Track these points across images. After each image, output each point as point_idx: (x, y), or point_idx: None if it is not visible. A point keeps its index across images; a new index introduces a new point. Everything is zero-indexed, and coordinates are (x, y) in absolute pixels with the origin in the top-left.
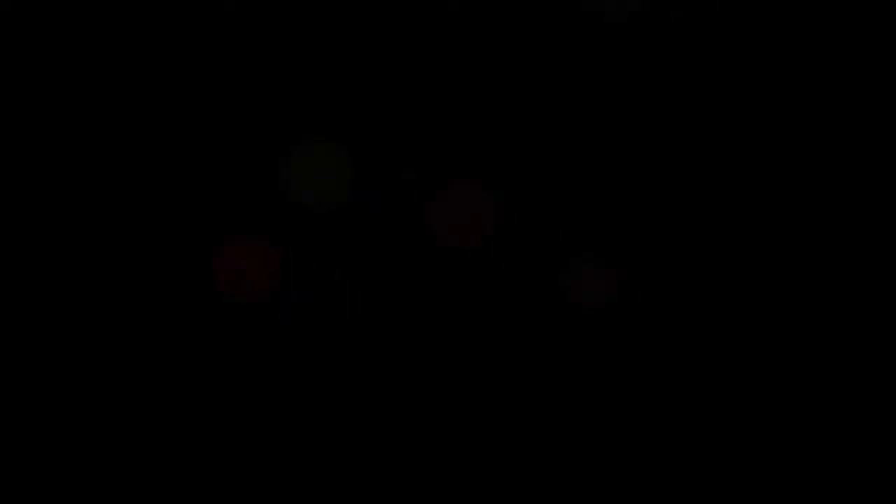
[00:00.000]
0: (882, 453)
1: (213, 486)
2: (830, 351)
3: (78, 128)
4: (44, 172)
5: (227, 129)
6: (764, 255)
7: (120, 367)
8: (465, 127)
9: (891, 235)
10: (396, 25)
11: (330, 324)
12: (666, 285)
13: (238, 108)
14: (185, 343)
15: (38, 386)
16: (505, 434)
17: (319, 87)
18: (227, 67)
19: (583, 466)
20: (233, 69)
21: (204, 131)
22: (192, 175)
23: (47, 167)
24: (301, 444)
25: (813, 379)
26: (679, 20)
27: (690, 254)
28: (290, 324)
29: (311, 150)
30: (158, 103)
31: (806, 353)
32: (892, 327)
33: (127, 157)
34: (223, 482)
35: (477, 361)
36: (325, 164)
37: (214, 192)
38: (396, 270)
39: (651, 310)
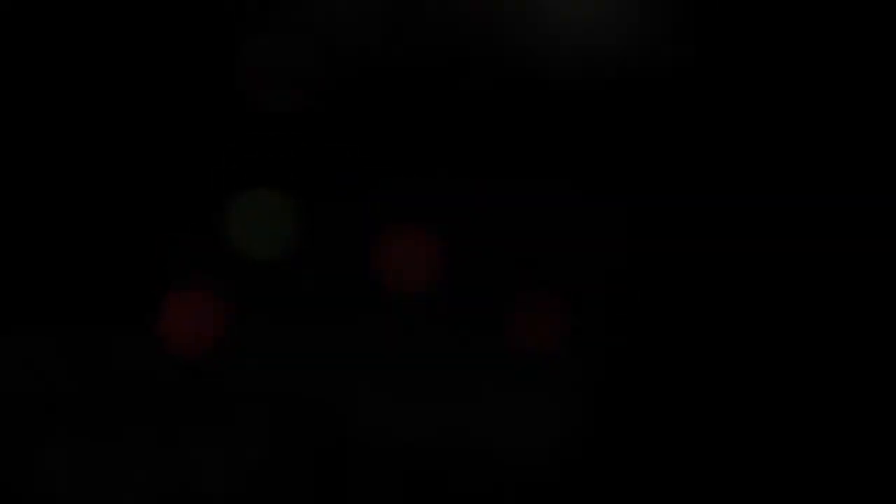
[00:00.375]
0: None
1: None
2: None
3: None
4: None
5: (166, 178)
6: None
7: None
8: (409, 169)
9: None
10: (334, 67)
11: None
12: (621, 329)
13: (175, 157)
14: (128, 398)
15: None
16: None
17: (257, 133)
18: (167, 116)
19: None
20: (173, 117)
21: (142, 180)
22: (133, 225)
23: None
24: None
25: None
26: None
27: (646, 297)
28: None
29: (253, 198)
30: (92, 153)
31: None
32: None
33: (62, 207)
34: None
35: (423, 406)
36: (267, 213)
37: (155, 242)
38: (343, 316)
39: (604, 354)
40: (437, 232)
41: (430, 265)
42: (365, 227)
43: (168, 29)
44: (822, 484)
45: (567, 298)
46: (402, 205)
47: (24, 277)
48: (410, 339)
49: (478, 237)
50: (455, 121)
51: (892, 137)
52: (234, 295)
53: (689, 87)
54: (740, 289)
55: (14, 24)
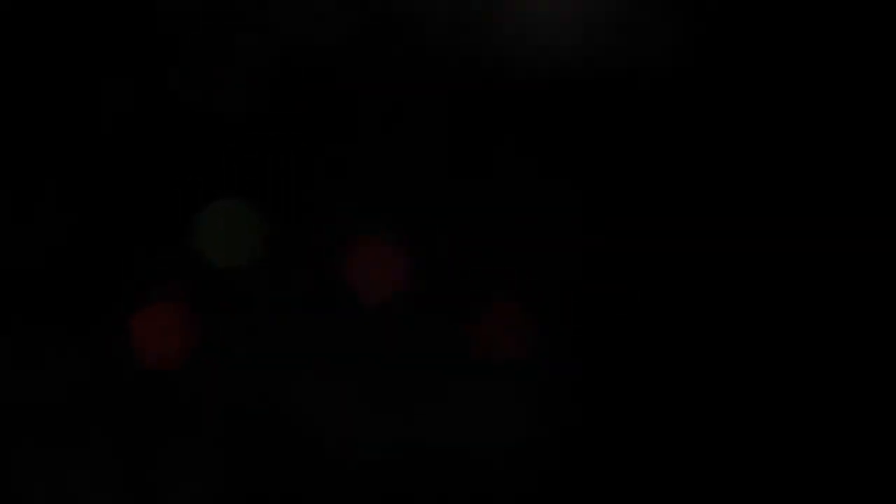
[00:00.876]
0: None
1: None
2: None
3: None
4: None
5: (136, 190)
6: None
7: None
8: (378, 180)
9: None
10: (307, 83)
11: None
12: (589, 335)
13: (146, 170)
14: (104, 413)
15: None
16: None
17: (227, 145)
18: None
19: None
20: (142, 131)
21: (112, 193)
22: (101, 239)
23: None
24: None
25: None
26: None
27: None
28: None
29: (221, 208)
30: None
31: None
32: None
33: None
34: None
35: (392, 415)
36: (236, 223)
37: (123, 254)
38: (312, 325)
39: (571, 362)
40: (403, 238)
41: (396, 272)
42: (332, 234)
43: (131, 41)
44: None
45: (535, 304)
46: (369, 213)
47: None
48: (379, 346)
49: (444, 242)
50: (420, 126)
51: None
52: (204, 304)
53: (661, 92)
54: (714, 292)
55: None
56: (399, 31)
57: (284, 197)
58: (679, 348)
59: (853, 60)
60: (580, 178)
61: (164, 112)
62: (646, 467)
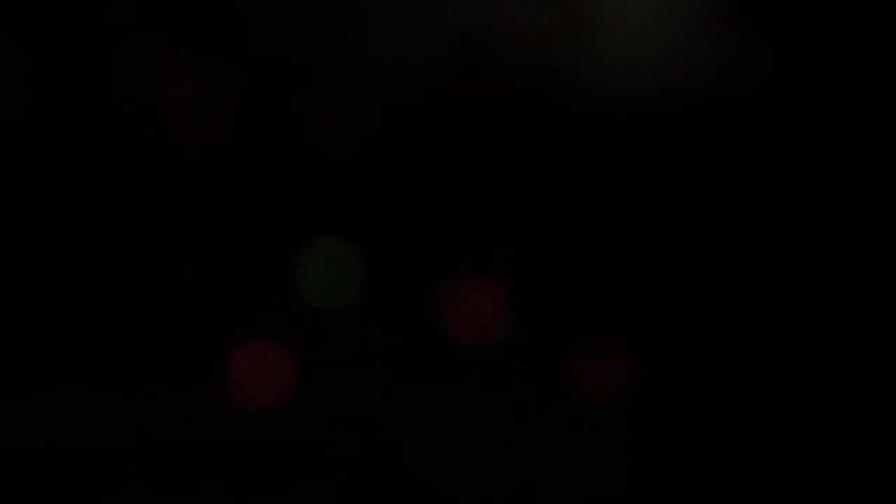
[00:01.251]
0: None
1: None
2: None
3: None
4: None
5: (232, 231)
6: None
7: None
8: (474, 222)
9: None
10: (399, 123)
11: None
12: (680, 374)
13: (242, 212)
14: (199, 451)
15: None
16: None
17: (324, 183)
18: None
19: None
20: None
21: (208, 235)
22: (201, 278)
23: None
24: None
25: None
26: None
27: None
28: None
29: (319, 248)
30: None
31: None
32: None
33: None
34: None
35: (487, 457)
36: (334, 262)
37: (222, 296)
38: (408, 367)
39: (665, 401)
40: (499, 279)
41: (492, 313)
42: (427, 275)
43: (224, 79)
44: None
45: (632, 347)
46: (464, 253)
47: (91, 326)
48: (473, 388)
49: (540, 284)
50: (515, 167)
51: None
52: (300, 344)
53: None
54: (816, 332)
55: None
56: (497, 79)
57: (382, 237)
58: (773, 388)
59: None
60: (676, 217)
61: (264, 149)
62: None
